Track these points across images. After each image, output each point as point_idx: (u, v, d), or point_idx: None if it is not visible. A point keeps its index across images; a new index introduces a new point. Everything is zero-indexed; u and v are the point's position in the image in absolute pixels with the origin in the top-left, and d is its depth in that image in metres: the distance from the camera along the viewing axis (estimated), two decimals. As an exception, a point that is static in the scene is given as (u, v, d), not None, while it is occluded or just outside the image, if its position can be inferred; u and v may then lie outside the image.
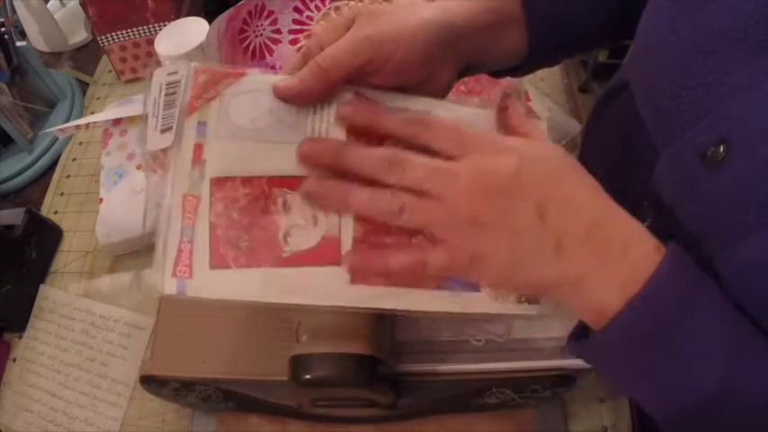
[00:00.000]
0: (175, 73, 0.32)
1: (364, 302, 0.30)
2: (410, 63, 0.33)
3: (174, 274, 0.29)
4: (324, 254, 0.30)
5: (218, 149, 0.31)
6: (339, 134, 0.32)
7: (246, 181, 0.30)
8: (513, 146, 0.29)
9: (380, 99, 0.33)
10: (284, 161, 0.31)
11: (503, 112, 0.33)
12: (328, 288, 0.30)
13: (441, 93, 0.37)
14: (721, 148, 0.28)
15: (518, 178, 0.27)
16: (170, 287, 0.29)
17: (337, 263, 0.30)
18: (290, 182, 0.31)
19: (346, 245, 0.30)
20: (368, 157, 0.29)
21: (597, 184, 0.29)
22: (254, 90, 0.32)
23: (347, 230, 0.31)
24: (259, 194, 0.30)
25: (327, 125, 0.32)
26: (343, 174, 0.30)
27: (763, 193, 0.26)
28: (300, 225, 0.30)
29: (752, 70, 0.27)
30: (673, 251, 0.27)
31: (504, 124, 0.33)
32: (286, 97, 0.32)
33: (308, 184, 0.30)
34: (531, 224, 0.27)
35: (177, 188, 0.30)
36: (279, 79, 0.32)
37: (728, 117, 0.28)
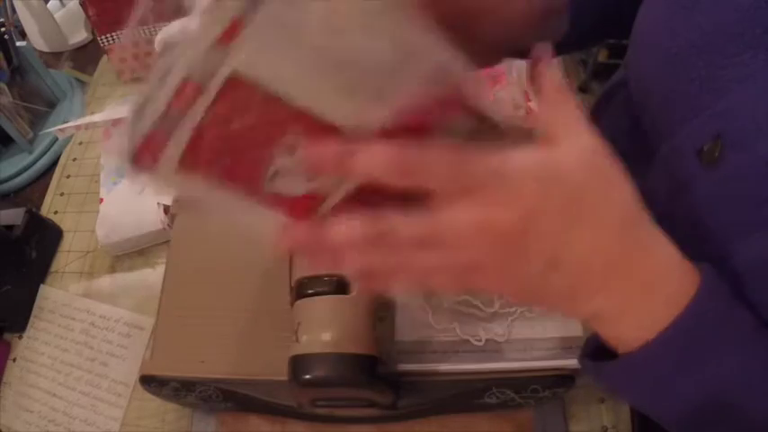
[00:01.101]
0: None
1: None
2: None
3: (137, 162, 0.24)
4: (298, 207, 0.26)
5: (262, 41, 0.22)
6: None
7: (270, 99, 0.23)
8: (524, 174, 0.24)
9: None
10: (326, 102, 0.24)
11: (536, 78, 0.27)
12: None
13: None
14: (717, 144, 0.27)
15: (528, 225, 0.24)
16: (130, 173, 0.25)
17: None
18: (313, 126, 0.24)
19: (326, 207, 0.26)
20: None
21: (625, 203, 0.26)
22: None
23: (337, 196, 0.26)
24: (273, 121, 0.24)
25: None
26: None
27: (759, 191, 0.26)
28: (294, 173, 0.25)
29: (747, 65, 0.27)
30: (708, 278, 0.26)
31: (539, 95, 0.27)
32: None
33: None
34: (541, 277, 0.25)
35: (181, 65, 0.22)
36: None
37: (723, 112, 0.27)
